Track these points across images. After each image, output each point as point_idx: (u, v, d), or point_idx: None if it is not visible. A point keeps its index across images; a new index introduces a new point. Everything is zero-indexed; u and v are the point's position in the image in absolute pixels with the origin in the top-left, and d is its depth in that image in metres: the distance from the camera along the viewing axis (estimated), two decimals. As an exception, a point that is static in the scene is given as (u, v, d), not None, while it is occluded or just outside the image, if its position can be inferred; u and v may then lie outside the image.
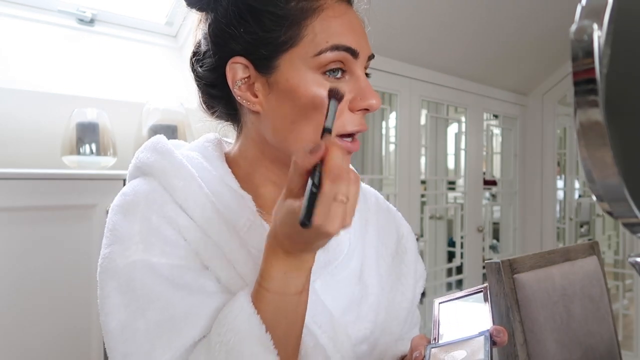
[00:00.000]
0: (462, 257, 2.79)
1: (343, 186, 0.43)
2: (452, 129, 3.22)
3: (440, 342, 0.58)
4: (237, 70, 0.60)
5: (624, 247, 3.16)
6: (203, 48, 0.64)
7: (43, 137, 1.48)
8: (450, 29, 2.29)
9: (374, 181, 2.63)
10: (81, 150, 1.41)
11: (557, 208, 3.21)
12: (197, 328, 0.55)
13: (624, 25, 0.32)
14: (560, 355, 1.07)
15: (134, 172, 0.65)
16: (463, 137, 2.86)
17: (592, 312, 1.18)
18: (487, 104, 2.94)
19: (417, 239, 2.38)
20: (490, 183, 3.14)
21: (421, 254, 2.50)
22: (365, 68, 0.62)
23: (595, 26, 0.30)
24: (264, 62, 0.59)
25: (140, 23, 1.79)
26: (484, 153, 3.02)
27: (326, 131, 0.49)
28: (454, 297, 0.64)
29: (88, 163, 1.42)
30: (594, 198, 0.34)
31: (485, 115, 2.97)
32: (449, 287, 2.80)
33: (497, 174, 3.35)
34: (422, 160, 2.61)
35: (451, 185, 3.35)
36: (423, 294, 2.63)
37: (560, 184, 3.29)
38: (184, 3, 0.65)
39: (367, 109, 0.59)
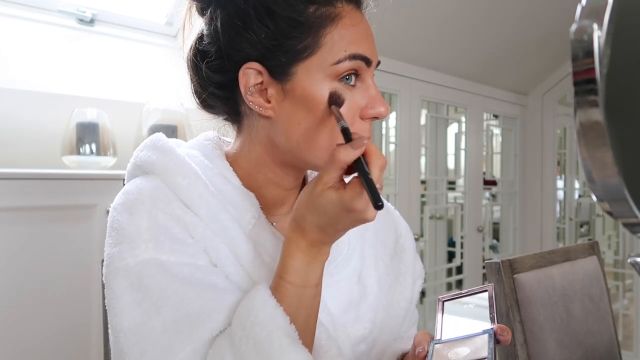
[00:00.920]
0: (462, 257, 2.79)
1: (382, 175, 0.51)
2: (452, 129, 3.21)
3: (443, 338, 0.58)
4: (250, 76, 0.59)
5: (624, 247, 3.16)
6: (209, 47, 0.62)
7: (43, 137, 1.48)
8: (450, 29, 2.29)
9: (374, 181, 2.62)
10: (81, 150, 1.41)
11: (557, 208, 3.21)
12: (215, 322, 0.55)
13: (624, 25, 0.32)
14: (560, 355, 1.07)
15: (134, 170, 0.64)
16: (463, 137, 2.86)
17: (592, 312, 1.18)
18: (487, 104, 2.94)
19: (417, 239, 2.38)
20: (490, 183, 3.14)
21: (421, 254, 2.51)
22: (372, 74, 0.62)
23: (595, 26, 0.30)
24: (280, 69, 0.58)
25: (140, 23, 1.79)
26: (484, 153, 3.02)
27: (347, 129, 0.53)
28: (458, 295, 0.64)
29: (88, 163, 1.42)
30: (594, 198, 0.34)
31: (485, 115, 2.97)
32: (449, 287, 2.80)
33: (497, 174, 3.35)
34: (422, 160, 2.61)
35: (451, 185, 3.34)
36: (423, 294, 2.64)
37: (560, 184, 3.29)
38: None
39: (376, 117, 0.60)
